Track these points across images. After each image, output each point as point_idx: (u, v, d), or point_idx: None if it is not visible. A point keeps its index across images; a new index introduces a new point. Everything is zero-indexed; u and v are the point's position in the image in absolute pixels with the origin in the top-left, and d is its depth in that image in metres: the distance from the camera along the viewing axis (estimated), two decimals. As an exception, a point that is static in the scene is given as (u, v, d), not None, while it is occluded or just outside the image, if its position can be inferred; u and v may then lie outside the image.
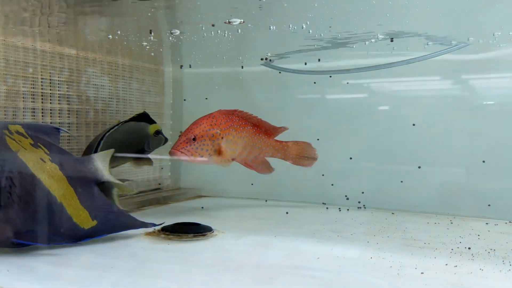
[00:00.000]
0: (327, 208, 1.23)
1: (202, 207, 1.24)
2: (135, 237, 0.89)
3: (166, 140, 1.19)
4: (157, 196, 1.34)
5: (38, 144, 0.90)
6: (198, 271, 0.70)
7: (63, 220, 0.86)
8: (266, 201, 1.36)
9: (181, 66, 1.48)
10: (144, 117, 1.14)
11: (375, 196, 1.26)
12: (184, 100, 1.48)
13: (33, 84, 1.01)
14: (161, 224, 0.93)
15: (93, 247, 0.83)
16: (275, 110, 1.41)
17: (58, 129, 0.96)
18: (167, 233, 0.91)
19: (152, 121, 1.15)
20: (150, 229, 0.94)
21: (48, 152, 0.90)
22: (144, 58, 1.33)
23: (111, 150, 1.00)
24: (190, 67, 1.49)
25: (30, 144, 0.89)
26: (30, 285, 0.63)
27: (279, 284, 0.62)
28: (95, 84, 1.17)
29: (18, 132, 0.89)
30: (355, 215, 1.14)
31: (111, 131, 1.08)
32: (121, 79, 1.25)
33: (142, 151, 1.16)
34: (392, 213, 1.17)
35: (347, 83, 1.33)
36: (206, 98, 1.46)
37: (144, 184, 1.37)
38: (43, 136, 0.94)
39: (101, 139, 1.06)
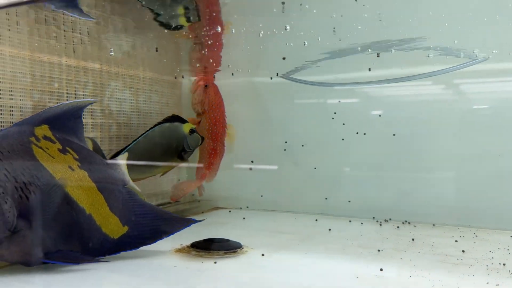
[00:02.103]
0: (350, 221, 1.23)
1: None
2: (165, 254, 0.89)
3: (202, 139, 1.20)
4: (176, 209, 1.34)
5: (67, 148, 0.89)
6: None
7: (92, 233, 0.85)
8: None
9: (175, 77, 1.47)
10: (175, 118, 1.16)
11: (395, 208, 1.26)
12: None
13: (59, 99, 1.01)
14: (202, 220, 0.94)
15: (121, 265, 0.82)
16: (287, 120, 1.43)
17: (80, 117, 0.93)
18: (197, 249, 0.90)
19: (184, 121, 1.16)
20: (179, 245, 0.94)
21: (77, 157, 0.89)
22: (162, 70, 1.33)
23: (125, 155, 1.01)
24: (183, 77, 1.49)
25: (58, 150, 0.88)
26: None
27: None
28: (118, 98, 1.16)
29: (45, 137, 0.88)
30: (377, 228, 1.14)
31: (147, 132, 1.09)
32: (141, 92, 1.24)
33: (183, 151, 1.17)
34: (414, 226, 1.17)
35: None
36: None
37: (162, 197, 1.36)
38: (71, 136, 0.93)
39: (135, 140, 1.07)
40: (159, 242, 0.89)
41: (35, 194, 0.79)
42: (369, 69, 1.28)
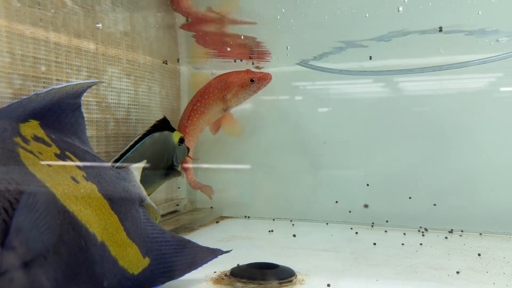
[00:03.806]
0: (385, 231, 1.08)
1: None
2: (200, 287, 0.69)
3: (188, 150, 1.00)
4: (177, 221, 1.12)
5: (66, 153, 0.66)
6: None
7: (107, 267, 0.62)
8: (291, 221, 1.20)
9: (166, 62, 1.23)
10: (165, 124, 0.94)
11: (432, 215, 1.13)
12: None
13: (46, 87, 0.76)
14: (228, 251, 0.74)
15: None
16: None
17: (79, 108, 0.69)
18: (243, 280, 0.71)
19: (172, 128, 0.95)
20: (213, 273, 0.74)
21: (81, 166, 0.66)
22: (162, 56, 1.10)
23: (143, 162, 0.79)
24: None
25: (55, 155, 0.64)
26: None
27: None
28: (115, 88, 0.93)
29: (36, 138, 0.63)
30: (423, 240, 1.00)
31: (136, 146, 0.87)
32: (141, 81, 1.01)
33: (172, 166, 0.96)
34: (460, 236, 1.05)
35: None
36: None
37: (162, 207, 1.14)
38: (71, 136, 0.69)
39: (123, 154, 0.85)
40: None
41: (26, 218, 0.56)
42: (370, 57, 1.14)
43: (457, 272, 0.76)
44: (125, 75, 0.96)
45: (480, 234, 1.06)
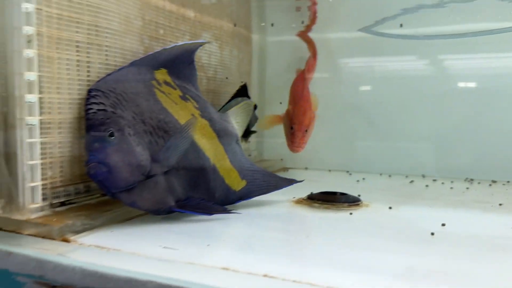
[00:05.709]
0: (434, 180, 1.22)
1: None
2: (286, 207, 0.87)
3: (257, 118, 1.17)
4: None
5: (187, 96, 0.85)
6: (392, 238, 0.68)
7: (217, 183, 0.83)
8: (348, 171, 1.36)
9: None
10: (244, 91, 1.11)
11: (477, 168, 1.25)
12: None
13: (164, 47, 0.95)
14: (302, 180, 0.92)
15: (249, 217, 0.79)
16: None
17: (193, 62, 0.88)
18: (319, 202, 0.88)
19: (248, 95, 1.12)
20: (295, 199, 0.92)
21: (197, 106, 0.85)
22: (241, 23, 1.27)
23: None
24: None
25: (179, 97, 0.84)
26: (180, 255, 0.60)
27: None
28: (206, 50, 1.11)
29: (166, 83, 0.83)
30: (470, 186, 1.13)
31: (225, 106, 1.05)
32: (225, 45, 1.19)
33: (248, 129, 1.14)
34: (503, 184, 1.17)
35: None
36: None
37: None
38: (188, 83, 0.89)
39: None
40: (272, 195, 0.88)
41: (164, 140, 0.75)
42: (401, 25, 1.25)
43: (500, 204, 0.90)
44: (214, 40, 1.14)
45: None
